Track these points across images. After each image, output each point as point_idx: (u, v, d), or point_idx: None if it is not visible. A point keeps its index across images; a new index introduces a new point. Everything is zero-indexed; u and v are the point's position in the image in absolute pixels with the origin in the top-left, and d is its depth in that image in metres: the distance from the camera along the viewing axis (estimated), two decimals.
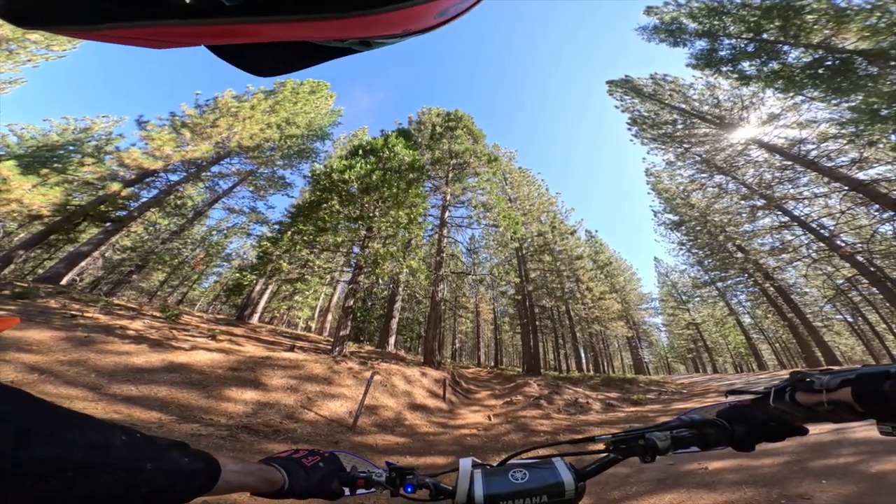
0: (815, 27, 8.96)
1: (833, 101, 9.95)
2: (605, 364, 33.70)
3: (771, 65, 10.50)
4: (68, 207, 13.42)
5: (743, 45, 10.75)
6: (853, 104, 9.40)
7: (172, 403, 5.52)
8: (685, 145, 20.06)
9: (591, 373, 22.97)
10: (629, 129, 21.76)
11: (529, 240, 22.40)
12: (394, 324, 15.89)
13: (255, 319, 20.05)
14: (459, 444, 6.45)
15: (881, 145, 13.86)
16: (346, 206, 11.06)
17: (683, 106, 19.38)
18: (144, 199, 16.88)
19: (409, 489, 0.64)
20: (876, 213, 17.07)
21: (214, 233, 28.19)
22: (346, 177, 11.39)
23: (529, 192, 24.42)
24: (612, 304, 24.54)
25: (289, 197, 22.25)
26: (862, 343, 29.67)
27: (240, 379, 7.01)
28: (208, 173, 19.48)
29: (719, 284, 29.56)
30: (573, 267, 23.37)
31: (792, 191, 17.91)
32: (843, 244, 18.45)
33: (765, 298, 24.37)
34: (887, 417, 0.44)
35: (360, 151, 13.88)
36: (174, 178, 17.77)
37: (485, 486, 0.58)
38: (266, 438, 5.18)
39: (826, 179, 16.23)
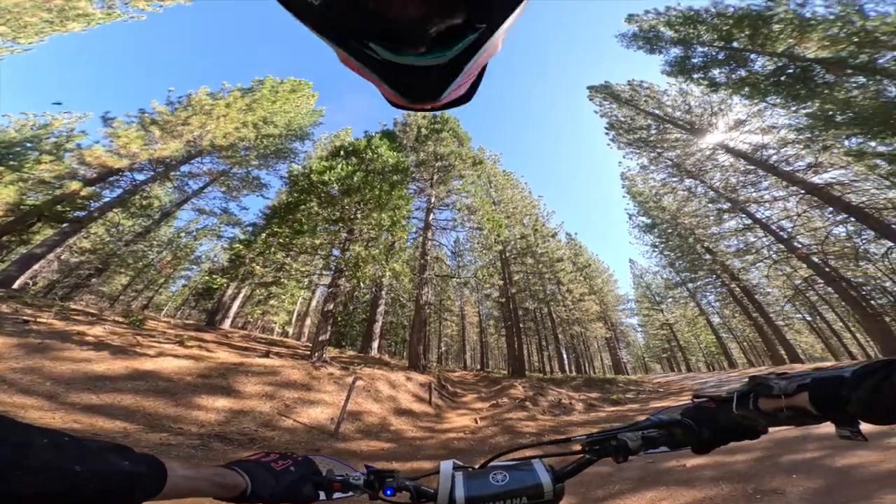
0: (781, 36, 9.58)
1: (792, 108, 10.68)
2: (587, 365, 34.41)
3: (739, 72, 11.15)
4: (22, 207, 12.41)
5: (714, 53, 11.38)
6: (810, 110, 10.11)
7: (138, 412, 5.19)
8: (658, 150, 20.96)
9: (574, 374, 23.34)
10: (607, 133, 22.59)
11: (513, 242, 22.64)
12: (377, 328, 15.58)
13: (226, 325, 19.16)
14: (447, 448, 6.34)
15: (835, 150, 15.05)
16: (325, 208, 10.78)
17: (657, 112, 20.28)
18: (107, 199, 15.91)
19: (389, 492, 0.63)
20: (830, 216, 18.41)
21: (183, 235, 26.89)
22: (326, 178, 11.10)
23: (513, 195, 24.73)
24: (592, 305, 25.14)
25: (264, 198, 21.53)
26: (821, 341, 31.53)
27: (211, 386, 6.66)
28: (177, 173, 18.56)
29: (690, 285, 30.77)
30: (554, 269, 23.76)
31: (754, 194, 19.05)
32: (799, 245, 19.66)
33: (731, 299, 25.51)
34: (844, 422, 0.46)
35: (342, 152, 13.62)
36: (140, 177, 16.86)
37: (466, 489, 0.58)
38: (241, 447, 4.94)
39: (785, 183, 17.34)
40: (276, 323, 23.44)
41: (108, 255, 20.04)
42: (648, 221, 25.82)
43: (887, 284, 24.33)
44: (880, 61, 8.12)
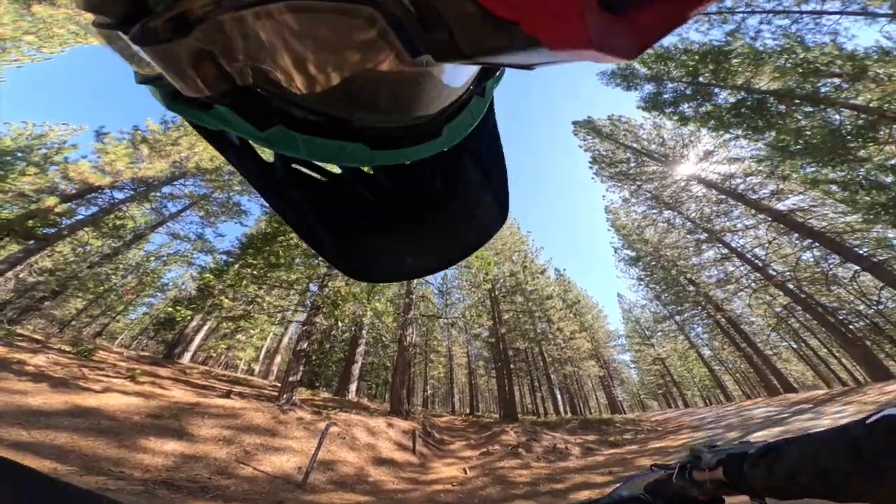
0: (739, 70, 10.51)
1: (753, 139, 11.46)
2: (581, 405, 32.62)
3: (705, 106, 12.06)
4: None
5: (683, 88, 12.38)
6: (768, 141, 10.84)
7: (73, 452, 4.53)
8: (637, 182, 22.04)
9: (569, 415, 22.03)
10: (591, 167, 23.85)
11: (502, 280, 22.33)
12: (356, 369, 14.38)
13: (186, 359, 17.52)
14: (432, 502, 5.51)
15: (794, 178, 16.12)
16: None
17: (635, 145, 21.68)
18: (80, 217, 15.03)
19: None
20: (797, 242, 19.22)
21: (152, 259, 25.42)
22: None
23: (501, 231, 24.97)
24: (583, 343, 24.43)
25: (242, 225, 20.90)
26: (810, 368, 31.37)
27: (161, 427, 5.85)
28: (158, 193, 18.03)
29: (677, 318, 30.86)
30: (544, 307, 23.19)
31: (728, 223, 19.86)
32: (774, 273, 20.24)
33: (719, 330, 25.52)
34: (752, 495, 0.48)
35: None
36: (119, 195, 16.25)
37: None
38: (191, 495, 4.26)
39: (753, 211, 18.20)
40: (241, 360, 21.47)
41: (68, 277, 18.63)
42: (633, 254, 26.36)
43: (861, 308, 25.08)
44: (823, 90, 8.93)
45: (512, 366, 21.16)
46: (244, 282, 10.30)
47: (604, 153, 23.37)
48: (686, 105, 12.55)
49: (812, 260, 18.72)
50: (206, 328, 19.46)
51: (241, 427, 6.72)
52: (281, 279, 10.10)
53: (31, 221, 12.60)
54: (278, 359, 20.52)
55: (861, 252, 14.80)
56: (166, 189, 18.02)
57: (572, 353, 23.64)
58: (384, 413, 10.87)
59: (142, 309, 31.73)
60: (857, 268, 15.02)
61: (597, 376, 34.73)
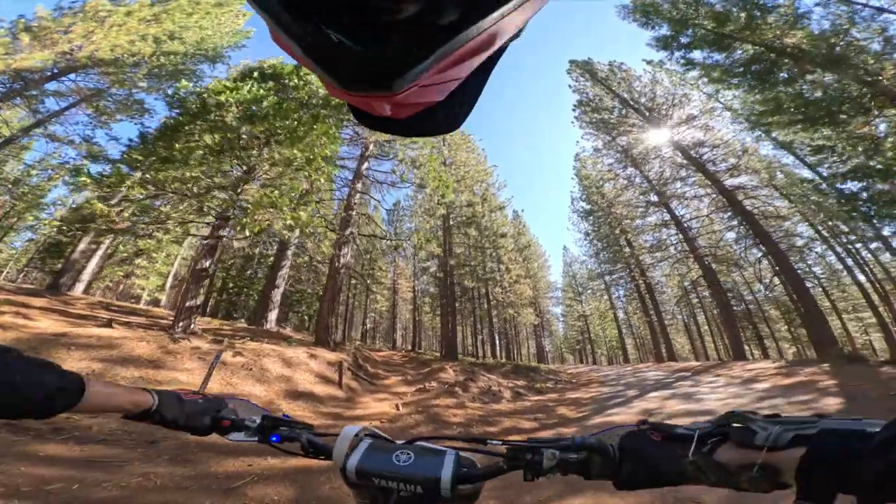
0: (772, 27, 9.54)
1: (750, 94, 11.03)
2: (515, 351, 35.29)
3: (716, 57, 11.27)
4: None
5: (703, 33, 11.30)
6: (765, 97, 10.43)
7: None
8: (614, 133, 21.61)
9: (504, 360, 23.33)
10: (574, 110, 22.76)
11: (458, 209, 21.23)
12: (276, 295, 12.67)
13: (79, 290, 14.64)
14: None
15: (753, 153, 16.93)
16: (211, 134, 7.86)
17: (625, 95, 20.69)
18: None
19: (275, 438, 0.64)
20: (727, 219, 20.97)
21: (35, 172, 20.52)
22: (224, 99, 8.17)
23: (467, 158, 22.83)
24: (526, 289, 25.24)
25: (144, 127, 16.66)
26: (689, 341, 35.74)
27: None
28: (37, 91, 14.10)
29: (607, 278, 33.26)
30: (497, 245, 22.83)
31: (680, 189, 20.72)
32: (698, 246, 22.15)
33: (636, 295, 27.97)
34: (819, 498, 0.30)
35: (256, 74, 10.60)
36: None
37: (363, 458, 0.54)
38: (38, 438, 3.31)
39: (707, 182, 19.03)
40: (144, 289, 18.48)
41: None
42: (588, 207, 26.79)
43: (744, 293, 29.34)
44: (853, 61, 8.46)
45: (458, 304, 21.19)
46: (127, 184, 7.75)
47: (592, 97, 22.30)
48: (698, 52, 11.67)
49: (731, 239, 20.86)
50: (100, 253, 15.95)
51: (116, 359, 5.38)
52: (176, 181, 7.71)
53: None
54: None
55: (775, 237, 16.43)
56: (51, 86, 14.50)
57: (515, 297, 24.38)
58: (308, 344, 9.77)
59: (28, 235, 26.83)
60: (761, 253, 16.95)
61: (531, 324, 37.51)
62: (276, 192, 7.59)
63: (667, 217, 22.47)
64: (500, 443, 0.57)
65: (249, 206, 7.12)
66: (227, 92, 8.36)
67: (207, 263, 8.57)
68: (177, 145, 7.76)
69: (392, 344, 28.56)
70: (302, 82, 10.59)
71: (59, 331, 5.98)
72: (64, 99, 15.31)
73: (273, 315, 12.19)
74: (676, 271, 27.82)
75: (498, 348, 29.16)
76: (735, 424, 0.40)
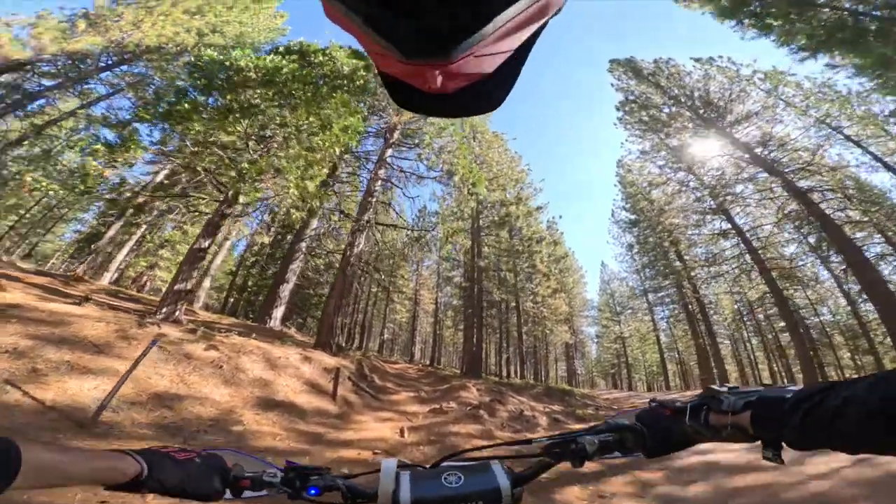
0: None
1: (848, 56, 9.03)
2: (544, 372, 32.26)
3: (796, 24, 9.47)
4: None
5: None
6: (865, 61, 8.40)
7: None
8: (662, 134, 19.56)
9: (532, 381, 20.94)
10: (617, 110, 21.16)
11: (489, 209, 19.54)
12: (285, 291, 11.36)
13: (106, 279, 14.42)
14: None
15: (827, 151, 14.52)
16: (225, 95, 7.06)
17: (675, 91, 18.98)
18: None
19: (314, 491, 0.55)
20: (794, 228, 17.99)
21: (76, 150, 21.42)
22: (244, 64, 7.51)
23: (500, 157, 21.22)
24: (561, 304, 22.72)
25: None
26: (738, 370, 31.56)
27: None
28: (90, 84, 14.73)
29: (651, 296, 30.37)
30: (531, 250, 20.47)
31: (742, 194, 18.07)
32: (771, 257, 19.18)
33: (685, 315, 24.75)
34: (774, 445, 0.45)
35: (282, 49, 10.06)
36: (49, 82, 13.56)
37: (413, 490, 0.52)
38: None
39: (771, 185, 16.42)
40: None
41: None
42: (632, 217, 24.41)
43: (825, 311, 25.23)
44: None
45: (484, 316, 19.30)
46: (128, 146, 7.10)
47: (637, 95, 20.38)
48: (775, 20, 9.91)
49: (797, 252, 17.93)
50: (130, 244, 16.03)
51: (54, 338, 4.37)
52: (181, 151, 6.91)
53: None
54: (207, 283, 17.34)
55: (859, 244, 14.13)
56: (105, 76, 15.05)
57: (549, 312, 21.89)
58: (307, 346, 8.43)
59: (76, 227, 26.91)
60: (843, 266, 14.28)
61: (562, 344, 34.32)
62: (284, 158, 6.54)
63: (726, 226, 19.70)
64: (546, 440, 0.59)
65: (247, 168, 6.06)
66: (246, 59, 7.73)
67: (206, 244, 7.65)
68: (186, 104, 7.02)
69: (410, 357, 26.80)
70: (327, 58, 9.86)
71: (16, 302, 5.14)
72: (111, 87, 15.94)
73: (278, 312, 10.99)
74: (733, 289, 24.56)
75: (526, 368, 26.58)
76: (712, 397, 0.51)
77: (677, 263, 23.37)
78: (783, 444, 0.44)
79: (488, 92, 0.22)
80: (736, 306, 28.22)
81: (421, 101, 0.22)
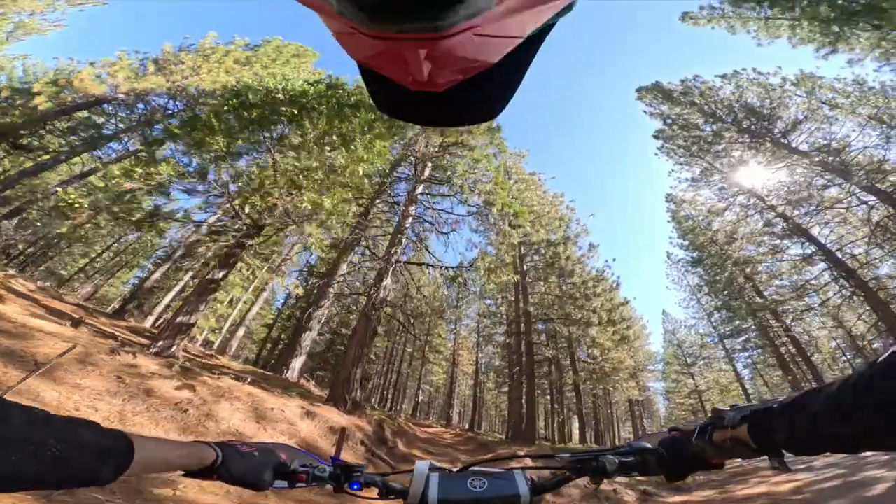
0: None
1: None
2: (609, 435, 26.92)
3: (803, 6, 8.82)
4: None
5: None
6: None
7: None
8: (710, 156, 18.08)
9: (595, 445, 17.03)
10: (656, 138, 20.05)
11: (534, 253, 17.71)
12: (307, 339, 10.15)
13: (149, 322, 14.35)
14: None
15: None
16: (251, 110, 7.02)
17: (713, 107, 17.92)
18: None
19: (355, 486, 0.63)
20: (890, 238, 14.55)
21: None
22: (273, 86, 7.72)
23: (540, 198, 19.75)
24: (625, 356, 19.01)
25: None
26: None
27: None
28: (159, 129, 16.38)
29: (727, 342, 26.07)
30: (587, 294, 17.21)
31: (818, 198, 15.35)
32: (874, 278, 15.64)
33: (775, 358, 20.63)
34: (774, 453, 0.46)
35: (313, 81, 10.60)
36: (122, 125, 15.39)
37: (441, 491, 0.57)
38: None
39: (854, 188, 13.81)
40: (200, 328, 17.75)
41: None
42: (694, 255, 21.77)
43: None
44: None
45: (533, 371, 16.56)
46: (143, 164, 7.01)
47: (674, 117, 19.22)
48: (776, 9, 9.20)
49: None
50: (176, 289, 16.40)
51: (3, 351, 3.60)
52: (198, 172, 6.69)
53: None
54: (241, 332, 16.80)
55: None
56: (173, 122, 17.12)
57: (611, 367, 18.43)
58: (316, 399, 6.93)
59: (139, 274, 27.90)
60: None
61: (626, 403, 28.98)
62: (297, 161, 6.02)
63: (811, 248, 16.60)
64: (569, 455, 0.61)
65: (257, 176, 5.50)
66: (274, 79, 8.01)
67: (220, 275, 6.96)
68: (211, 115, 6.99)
69: (447, 421, 23.52)
70: (357, 89, 10.13)
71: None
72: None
73: (297, 362, 9.68)
74: (828, 323, 20.69)
75: (585, 432, 22.07)
76: (717, 416, 0.53)
77: (758, 300, 19.70)
78: (783, 451, 0.45)
79: (488, 93, 0.18)
80: (833, 343, 23.10)
81: (408, 103, 0.17)
